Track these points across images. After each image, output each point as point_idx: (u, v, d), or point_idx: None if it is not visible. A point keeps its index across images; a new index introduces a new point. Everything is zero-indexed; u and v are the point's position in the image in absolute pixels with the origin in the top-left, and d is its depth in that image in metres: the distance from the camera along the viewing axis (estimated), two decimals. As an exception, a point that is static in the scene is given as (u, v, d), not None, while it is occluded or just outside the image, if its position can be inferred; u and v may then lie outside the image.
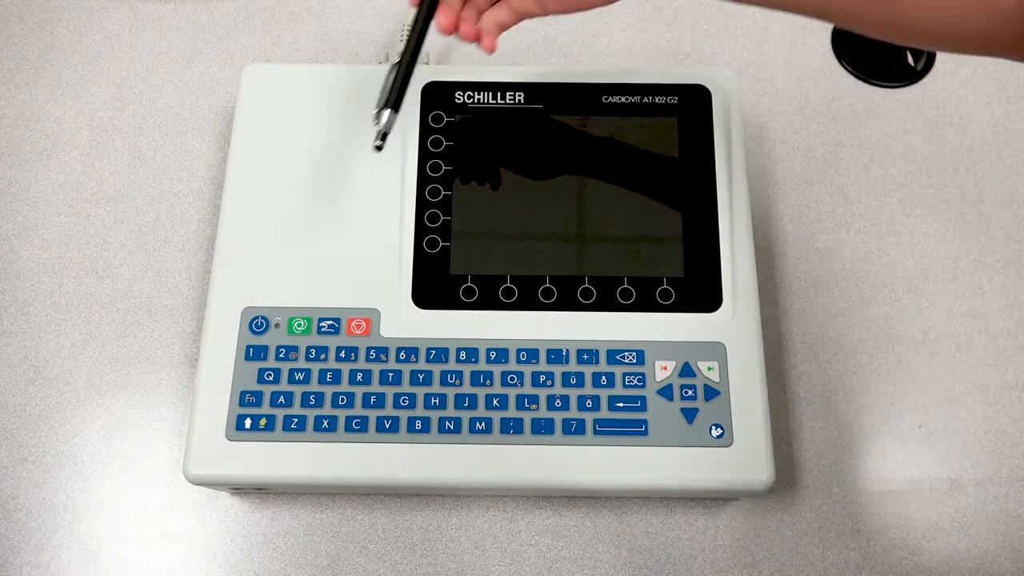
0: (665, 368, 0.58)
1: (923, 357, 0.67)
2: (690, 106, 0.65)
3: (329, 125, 0.65)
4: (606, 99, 0.65)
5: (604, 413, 0.57)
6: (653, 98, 0.65)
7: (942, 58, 0.79)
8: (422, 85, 0.65)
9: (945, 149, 0.75)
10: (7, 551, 0.61)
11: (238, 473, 0.56)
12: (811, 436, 0.65)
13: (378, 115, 0.55)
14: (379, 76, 0.67)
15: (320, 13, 0.80)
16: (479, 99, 0.65)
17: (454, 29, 0.53)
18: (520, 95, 0.65)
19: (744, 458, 0.56)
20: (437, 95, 0.65)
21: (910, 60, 0.79)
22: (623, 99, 0.65)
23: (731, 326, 0.59)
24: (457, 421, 0.57)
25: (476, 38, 0.54)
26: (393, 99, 0.54)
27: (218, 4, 0.80)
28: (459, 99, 0.65)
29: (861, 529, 0.62)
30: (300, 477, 0.56)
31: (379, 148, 0.55)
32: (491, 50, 0.54)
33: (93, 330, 0.68)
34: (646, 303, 0.60)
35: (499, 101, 0.65)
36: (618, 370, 0.58)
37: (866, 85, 0.77)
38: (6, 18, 0.80)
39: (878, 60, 0.78)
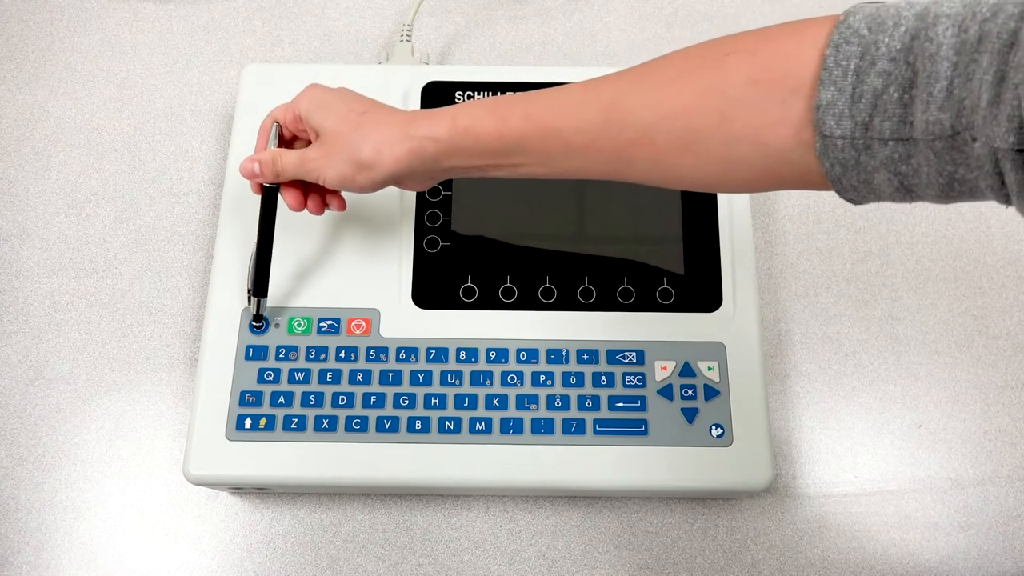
0: (665, 368, 0.58)
1: (923, 357, 0.67)
2: None
3: None
4: None
5: (604, 413, 0.57)
6: None
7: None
8: (422, 85, 0.65)
9: (945, 149, 0.75)
10: (7, 551, 0.61)
11: (238, 473, 0.56)
12: (811, 436, 0.65)
13: (249, 300, 0.58)
14: (379, 76, 0.67)
15: (320, 13, 0.80)
16: (476, 99, 0.65)
17: (303, 207, 0.55)
18: None
19: (744, 458, 0.56)
20: (437, 95, 0.65)
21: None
22: None
23: (731, 326, 0.59)
24: (457, 421, 0.57)
25: (324, 207, 0.56)
26: (257, 287, 0.58)
27: (218, 4, 0.80)
28: (459, 99, 0.65)
29: (861, 529, 0.62)
30: (300, 477, 0.56)
31: (256, 329, 0.59)
32: (343, 208, 0.56)
33: (93, 330, 0.68)
34: (646, 303, 0.60)
35: None
36: (618, 370, 0.58)
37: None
38: (6, 18, 0.80)
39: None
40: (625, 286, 0.61)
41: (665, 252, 0.62)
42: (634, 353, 0.59)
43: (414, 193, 0.63)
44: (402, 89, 0.66)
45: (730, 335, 0.59)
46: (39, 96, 0.76)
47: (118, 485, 0.63)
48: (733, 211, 0.63)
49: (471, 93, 0.65)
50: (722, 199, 0.63)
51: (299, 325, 0.60)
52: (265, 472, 0.56)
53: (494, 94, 0.65)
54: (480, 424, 0.57)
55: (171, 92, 0.76)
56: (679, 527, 0.62)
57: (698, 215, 0.62)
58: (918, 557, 0.62)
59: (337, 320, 0.60)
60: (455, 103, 0.63)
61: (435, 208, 0.62)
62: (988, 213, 0.72)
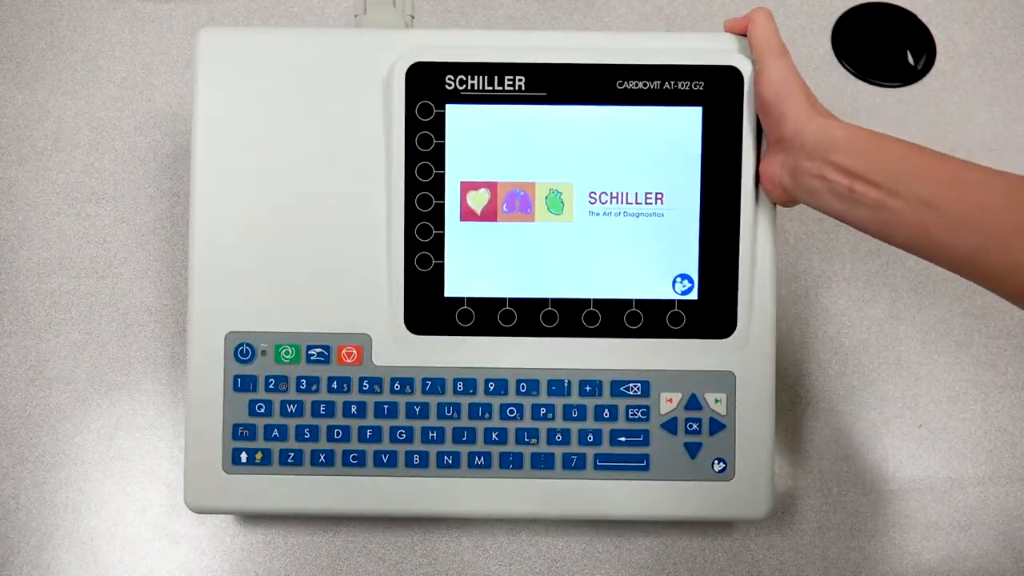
0: (671, 400, 0.56)
1: (923, 357, 0.67)
2: (718, 93, 0.55)
3: (306, 113, 0.56)
4: (620, 84, 0.55)
5: (605, 448, 0.56)
6: (675, 83, 0.55)
7: (942, 58, 0.79)
8: (406, 67, 0.55)
9: (945, 149, 0.74)
10: (7, 551, 0.61)
11: (238, 505, 0.56)
12: (811, 436, 0.65)
13: None
14: (350, 47, 0.57)
15: (320, 13, 0.80)
16: (473, 85, 0.55)
17: None
18: (521, 80, 0.55)
19: (744, 491, 0.55)
20: (424, 80, 0.55)
21: (910, 60, 0.78)
22: (640, 85, 0.55)
23: (743, 354, 0.56)
24: (456, 456, 0.56)
25: None
26: None
27: (218, 4, 0.80)
28: (450, 85, 0.55)
29: (861, 529, 0.62)
30: (301, 509, 0.56)
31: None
32: None
33: (93, 330, 0.68)
34: (654, 328, 0.56)
35: (496, 88, 0.55)
36: (621, 403, 0.56)
37: (866, 85, 0.77)
38: (6, 18, 0.79)
39: (878, 60, 0.78)
40: (633, 310, 0.56)
41: (678, 272, 0.56)
42: (639, 385, 0.56)
43: (402, 203, 0.56)
44: (384, 65, 0.56)
45: (742, 363, 0.55)
46: (39, 96, 0.76)
47: (118, 485, 0.63)
48: (758, 224, 0.56)
49: (464, 78, 0.55)
50: (746, 209, 0.55)
51: (287, 353, 0.56)
52: (265, 504, 0.56)
53: (492, 79, 0.56)
54: (479, 459, 0.56)
55: (171, 92, 0.76)
56: (679, 527, 0.62)
57: (718, 228, 0.56)
58: (918, 557, 0.62)
59: (327, 348, 0.56)
60: (446, 90, 0.55)
61: (426, 221, 0.56)
62: (988, 213, 0.72)
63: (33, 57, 0.78)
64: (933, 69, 0.78)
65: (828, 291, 0.69)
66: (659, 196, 0.56)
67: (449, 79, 0.55)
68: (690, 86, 0.55)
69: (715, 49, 0.55)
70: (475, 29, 0.54)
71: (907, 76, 0.78)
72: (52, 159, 0.74)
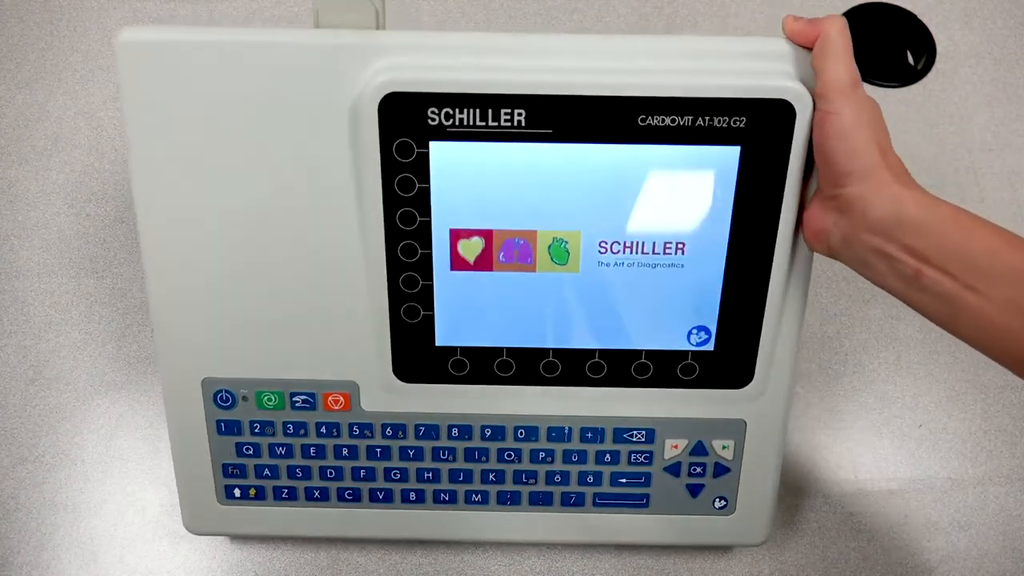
0: (676, 447, 0.53)
1: (923, 357, 0.67)
2: (762, 131, 0.45)
3: (260, 137, 0.46)
4: (643, 120, 0.45)
5: (605, 488, 0.55)
6: (710, 119, 0.44)
7: (942, 58, 0.79)
8: (379, 98, 0.44)
9: (945, 149, 0.75)
10: (7, 551, 0.61)
11: (236, 530, 0.58)
12: (811, 436, 0.65)
13: None
14: (315, 49, 0.45)
15: (320, 13, 0.80)
16: (462, 120, 0.45)
17: None
18: (521, 115, 0.44)
19: (743, 524, 0.56)
20: (402, 115, 0.44)
21: (910, 60, 0.78)
22: (668, 121, 0.45)
23: (757, 403, 0.52)
24: (452, 493, 0.55)
25: None
26: None
27: (218, 4, 0.80)
28: (433, 119, 0.44)
29: (861, 529, 0.62)
30: (299, 534, 0.57)
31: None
32: None
33: (93, 330, 0.68)
34: (665, 379, 0.51)
35: (491, 123, 0.45)
36: (624, 448, 0.54)
37: (866, 85, 0.77)
38: (6, 18, 0.79)
39: (878, 60, 0.78)
40: (642, 361, 0.50)
41: (695, 321, 0.50)
42: (643, 432, 0.53)
43: (383, 252, 0.48)
44: (349, 84, 0.45)
45: (754, 412, 0.52)
46: (39, 96, 0.76)
47: (118, 485, 0.63)
48: (791, 276, 0.49)
49: (450, 111, 0.44)
50: (779, 259, 0.48)
51: (269, 400, 0.53)
52: (263, 530, 0.57)
53: (485, 112, 0.45)
54: (476, 496, 0.55)
55: (171, 92, 0.76)
56: (679, 527, 0.62)
57: (745, 278, 0.49)
58: (918, 557, 0.62)
59: (312, 395, 0.52)
60: (429, 125, 0.45)
61: (411, 271, 0.48)
62: (988, 213, 0.72)
63: (33, 57, 0.78)
64: (933, 69, 0.78)
65: (828, 291, 0.69)
66: (680, 246, 0.48)
67: (432, 113, 0.44)
68: (728, 123, 0.45)
69: (763, 71, 0.44)
70: (459, 32, 0.44)
71: (907, 76, 0.78)
72: (52, 159, 0.74)
